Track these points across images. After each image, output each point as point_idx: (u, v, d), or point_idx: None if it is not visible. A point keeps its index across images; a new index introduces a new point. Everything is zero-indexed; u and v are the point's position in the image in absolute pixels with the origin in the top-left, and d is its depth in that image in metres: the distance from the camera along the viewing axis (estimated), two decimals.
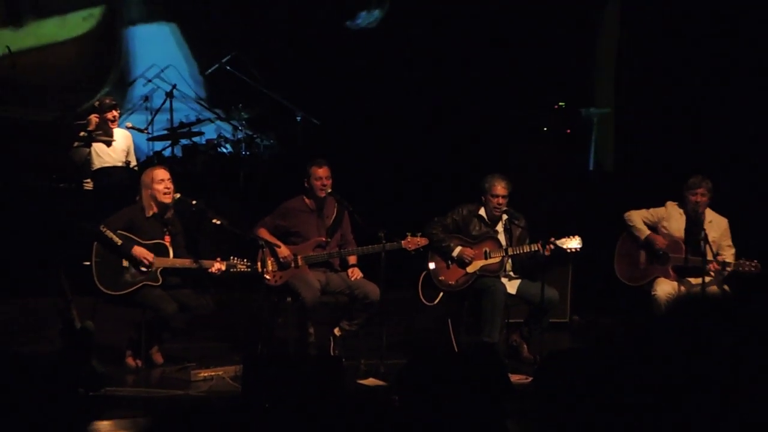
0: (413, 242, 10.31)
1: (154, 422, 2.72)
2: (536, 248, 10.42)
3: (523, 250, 10.52)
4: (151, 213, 10.01)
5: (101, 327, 9.15)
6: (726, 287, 10.57)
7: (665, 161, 13.25)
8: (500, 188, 10.51)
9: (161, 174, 10.06)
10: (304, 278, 10.26)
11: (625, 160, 14.72)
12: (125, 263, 9.84)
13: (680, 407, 2.90)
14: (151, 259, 9.82)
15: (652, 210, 10.92)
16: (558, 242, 10.41)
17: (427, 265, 10.60)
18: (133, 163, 12.82)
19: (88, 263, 9.80)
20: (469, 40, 15.18)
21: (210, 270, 9.93)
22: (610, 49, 15.10)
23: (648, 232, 10.78)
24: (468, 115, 14.88)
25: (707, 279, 10.43)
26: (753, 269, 10.42)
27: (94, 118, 12.55)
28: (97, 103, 12.84)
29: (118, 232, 9.84)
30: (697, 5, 13.64)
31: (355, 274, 10.46)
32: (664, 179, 11.90)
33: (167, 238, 10.00)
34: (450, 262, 10.61)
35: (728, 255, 10.59)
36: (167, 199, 9.97)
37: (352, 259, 10.58)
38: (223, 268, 9.96)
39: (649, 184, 12.51)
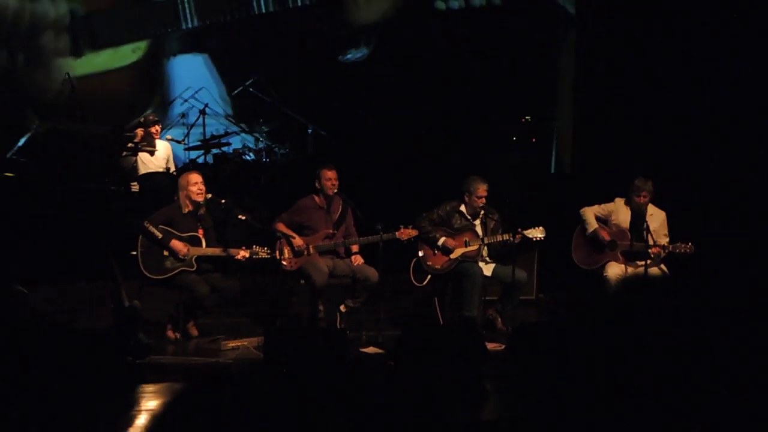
0: (406, 233, 10.30)
1: (191, 385, 2.67)
2: (507, 237, 10.43)
3: (496, 239, 10.53)
4: (186, 210, 10.00)
5: (146, 305, 9.11)
6: (663, 267, 10.61)
7: (615, 164, 13.26)
8: (482, 190, 10.53)
9: (195, 178, 10.06)
10: (315, 264, 10.24)
11: (581, 163, 14.72)
12: (165, 252, 9.83)
13: (627, 370, 2.86)
14: (185, 251, 9.80)
15: (603, 205, 10.95)
16: (525, 232, 10.44)
17: (417, 253, 10.59)
18: (173, 169, 12.78)
19: (134, 253, 9.79)
20: (453, 64, 15.15)
21: (236, 257, 9.91)
22: (569, 70, 15.07)
23: (596, 226, 10.79)
24: (450, 126, 14.86)
25: (649, 261, 10.48)
26: (687, 250, 10.46)
27: (140, 132, 12.52)
28: (142, 119, 12.80)
29: (160, 226, 9.83)
30: (643, 29, 13.63)
31: (357, 260, 10.43)
32: (613, 179, 11.90)
33: (200, 231, 9.99)
34: (436, 250, 10.59)
35: (664, 242, 10.61)
36: (200, 199, 9.97)
37: (355, 248, 10.55)
38: (248, 255, 9.94)
39: (601, 183, 12.50)
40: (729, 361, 2.92)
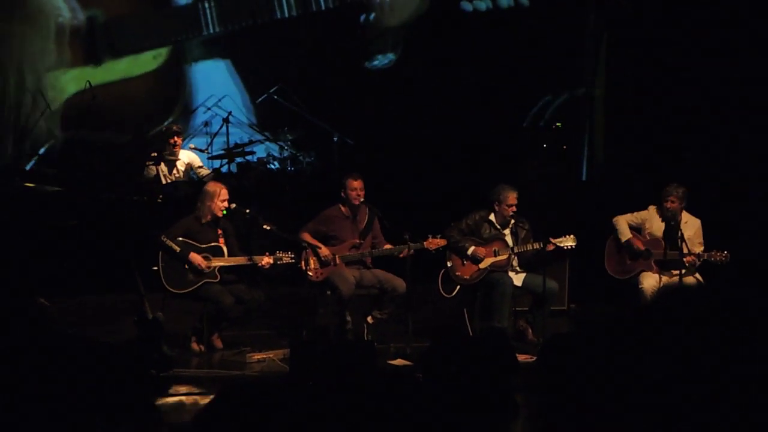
0: (434, 243, 10.32)
1: (216, 398, 2.70)
2: (538, 247, 10.44)
3: (526, 248, 10.54)
4: (206, 220, 10.06)
5: (169, 317, 9.18)
6: (698, 276, 10.61)
7: (646, 172, 13.28)
8: (512, 198, 10.55)
9: (224, 194, 10.10)
10: (341, 274, 10.27)
11: (613, 171, 14.70)
12: (187, 265, 9.88)
13: (662, 383, 2.87)
14: (204, 266, 9.84)
15: (636, 213, 10.97)
16: (556, 241, 10.45)
17: (446, 263, 10.60)
18: (204, 173, 12.76)
19: (156, 268, 9.84)
20: (483, 73, 15.16)
21: (260, 264, 9.95)
22: (601, 75, 15.08)
23: (630, 236, 10.81)
24: (481, 134, 14.87)
25: (683, 271, 10.47)
26: (723, 259, 10.47)
27: (178, 142, 12.47)
28: (165, 129, 12.81)
29: (178, 239, 9.89)
30: (677, 33, 13.66)
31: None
32: (645, 187, 11.93)
33: (221, 241, 10.04)
34: (465, 260, 10.60)
35: (699, 250, 10.62)
36: (221, 214, 10.02)
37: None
38: (271, 261, 9.98)
39: (633, 191, 12.51)
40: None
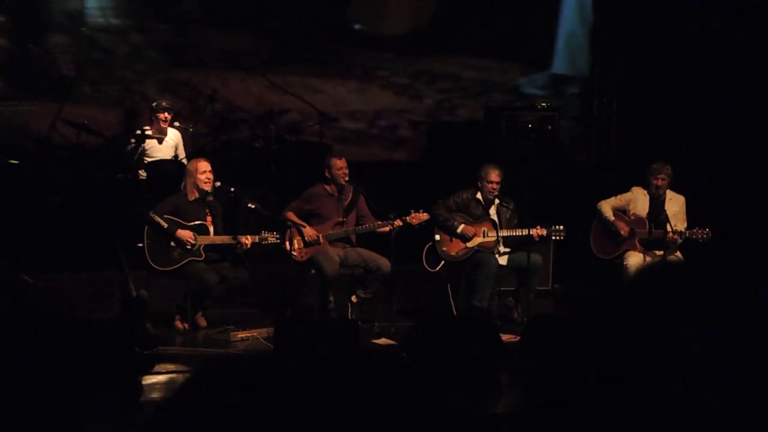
0: (417, 218, 10.31)
1: (198, 374, 2.68)
2: (525, 233, 10.45)
3: (515, 232, 10.56)
4: (193, 198, 10.03)
5: (154, 295, 9.13)
6: (679, 254, 10.66)
7: (631, 152, 13.35)
8: (494, 175, 10.54)
9: (204, 166, 10.09)
10: (326, 253, 10.27)
11: (598, 151, 14.77)
12: (172, 243, 9.87)
13: (646, 360, 2.87)
14: (192, 240, 9.84)
15: (619, 196, 11.05)
16: (546, 229, 10.46)
17: (434, 237, 10.61)
18: (182, 156, 12.70)
19: (141, 245, 9.82)
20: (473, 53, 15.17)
21: (244, 242, 9.94)
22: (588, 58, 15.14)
23: (613, 219, 10.84)
24: (467, 113, 14.91)
25: (665, 250, 10.53)
26: (705, 236, 10.54)
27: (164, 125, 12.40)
28: (154, 104, 12.68)
29: (165, 216, 9.87)
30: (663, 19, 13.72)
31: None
32: (630, 167, 11.99)
33: (209, 219, 10.03)
34: (452, 237, 10.61)
35: (681, 227, 10.68)
36: (207, 187, 10.01)
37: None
38: (257, 240, 9.98)
39: (617, 171, 12.59)
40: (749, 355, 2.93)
